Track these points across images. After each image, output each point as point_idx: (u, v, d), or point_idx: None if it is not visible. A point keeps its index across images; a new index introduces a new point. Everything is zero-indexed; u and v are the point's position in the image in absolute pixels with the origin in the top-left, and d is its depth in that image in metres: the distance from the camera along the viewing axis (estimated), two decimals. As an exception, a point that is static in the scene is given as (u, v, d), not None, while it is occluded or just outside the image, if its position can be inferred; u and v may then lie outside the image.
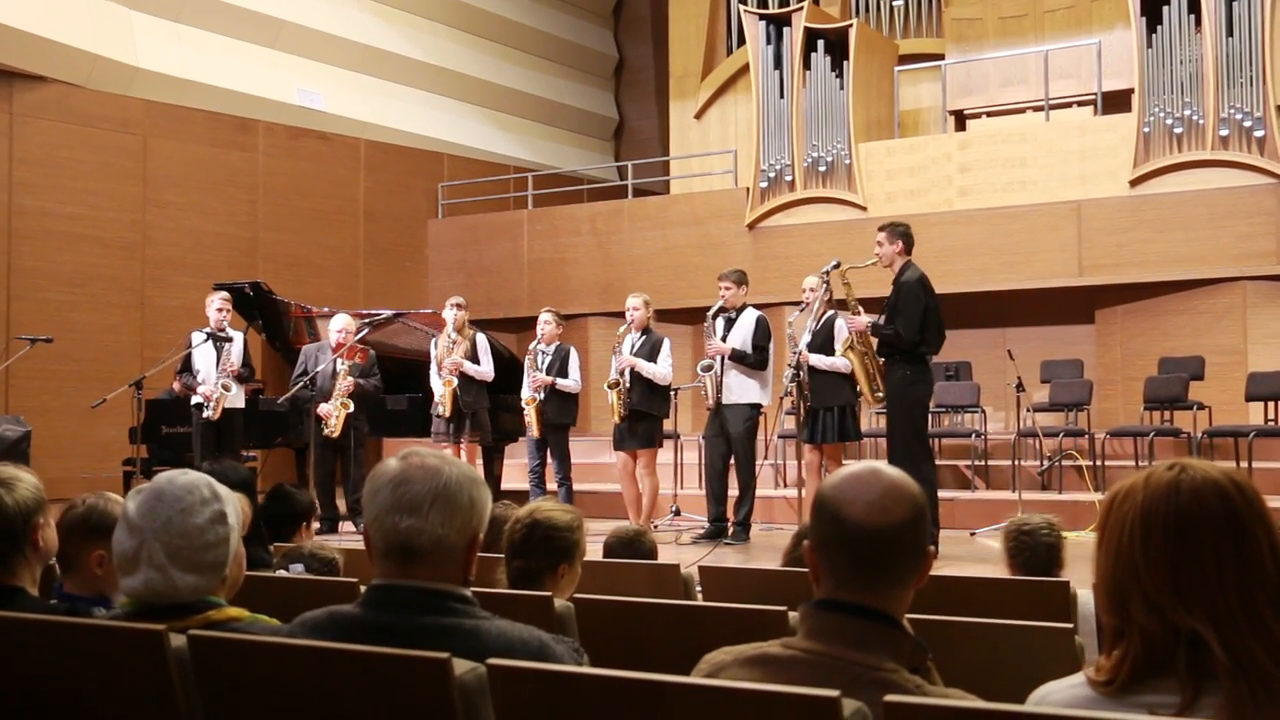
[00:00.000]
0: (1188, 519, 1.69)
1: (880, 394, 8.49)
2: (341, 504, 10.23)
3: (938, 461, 11.46)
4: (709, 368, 9.17)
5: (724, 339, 9.20)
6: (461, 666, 1.98)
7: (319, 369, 10.00)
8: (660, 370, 9.39)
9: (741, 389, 9.18)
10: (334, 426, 9.84)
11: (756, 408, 9.26)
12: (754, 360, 9.14)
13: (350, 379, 9.88)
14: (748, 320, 9.24)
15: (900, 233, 8.29)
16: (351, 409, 9.85)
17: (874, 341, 8.45)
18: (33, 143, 12.26)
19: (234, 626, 2.37)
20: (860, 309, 8.54)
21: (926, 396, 8.47)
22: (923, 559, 2.00)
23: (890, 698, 1.65)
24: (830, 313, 8.95)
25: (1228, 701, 1.63)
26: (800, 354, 8.83)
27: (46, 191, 12.36)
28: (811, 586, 2.03)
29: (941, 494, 10.58)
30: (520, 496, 8.73)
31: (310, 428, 9.98)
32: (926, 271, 8.28)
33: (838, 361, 8.79)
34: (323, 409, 9.90)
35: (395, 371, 10.87)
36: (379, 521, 2.19)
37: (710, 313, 9.33)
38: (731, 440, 9.17)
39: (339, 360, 9.93)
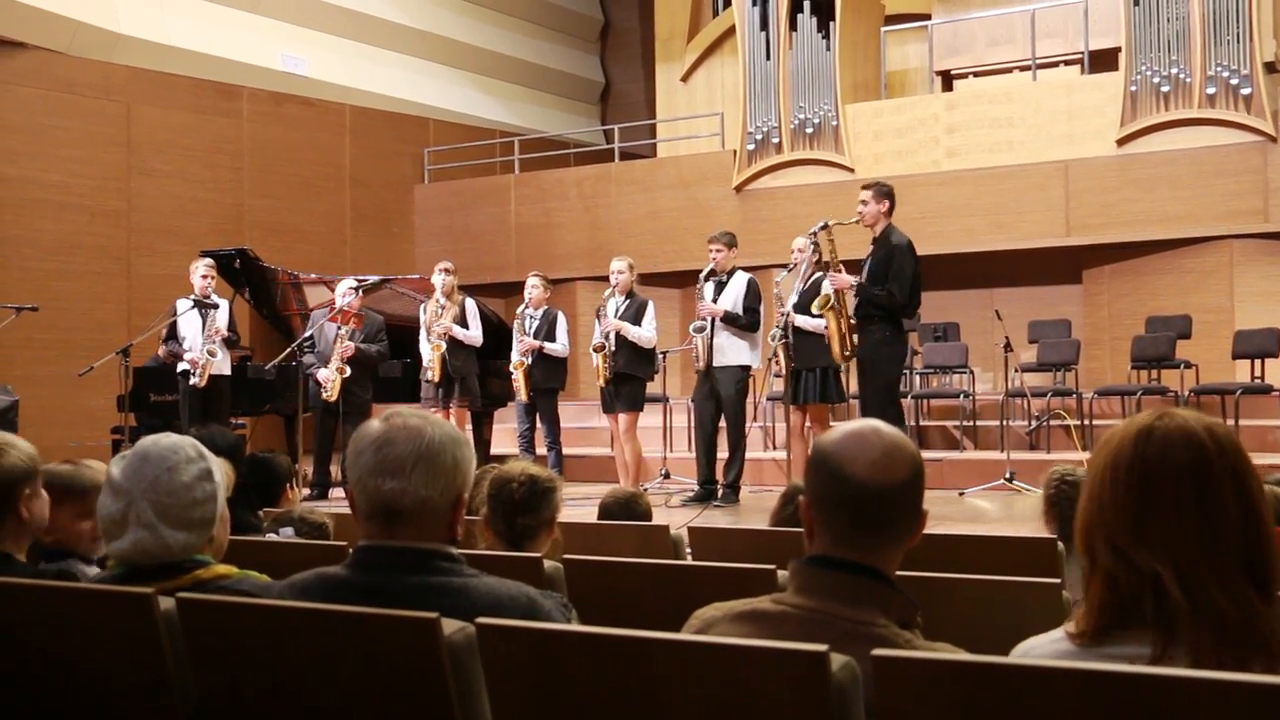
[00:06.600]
0: (1150, 466, 1.72)
1: (849, 354, 8.52)
2: (336, 470, 10.22)
3: (926, 422, 11.55)
4: (701, 329, 9.14)
5: (714, 302, 9.18)
6: (450, 626, 1.97)
7: (310, 333, 10.05)
8: (644, 334, 9.38)
9: (733, 351, 9.16)
10: (331, 391, 9.84)
11: (747, 370, 9.26)
12: (746, 322, 9.13)
13: (348, 343, 9.88)
14: (739, 283, 9.22)
15: (886, 192, 8.34)
16: (348, 374, 9.85)
17: (850, 301, 8.47)
18: (14, 110, 12.17)
19: (223, 585, 2.37)
20: (842, 267, 8.55)
21: (904, 357, 8.77)
22: (919, 518, 2.02)
23: (878, 652, 1.65)
24: (818, 274, 8.90)
25: (1190, 649, 1.63)
26: (787, 315, 8.81)
27: (29, 159, 12.28)
28: (804, 543, 2.03)
29: (930, 454, 10.66)
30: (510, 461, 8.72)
31: (305, 394, 9.96)
32: (914, 232, 8.31)
33: (821, 323, 8.76)
34: (321, 374, 9.90)
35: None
36: (362, 484, 2.18)
37: (702, 275, 9.30)
38: (722, 402, 9.16)
39: (339, 326, 9.93)
